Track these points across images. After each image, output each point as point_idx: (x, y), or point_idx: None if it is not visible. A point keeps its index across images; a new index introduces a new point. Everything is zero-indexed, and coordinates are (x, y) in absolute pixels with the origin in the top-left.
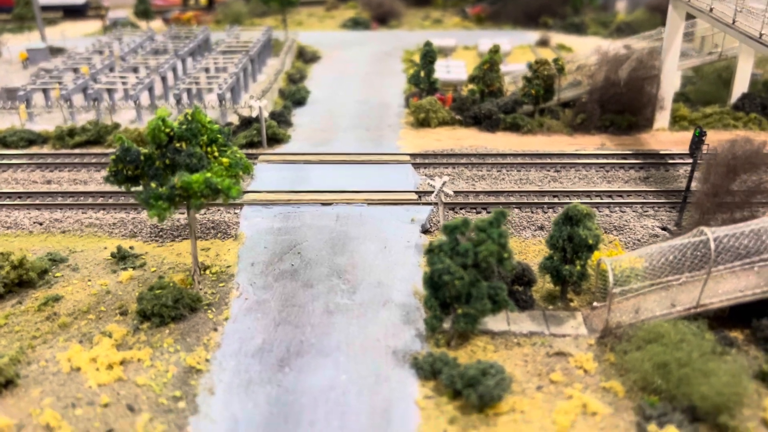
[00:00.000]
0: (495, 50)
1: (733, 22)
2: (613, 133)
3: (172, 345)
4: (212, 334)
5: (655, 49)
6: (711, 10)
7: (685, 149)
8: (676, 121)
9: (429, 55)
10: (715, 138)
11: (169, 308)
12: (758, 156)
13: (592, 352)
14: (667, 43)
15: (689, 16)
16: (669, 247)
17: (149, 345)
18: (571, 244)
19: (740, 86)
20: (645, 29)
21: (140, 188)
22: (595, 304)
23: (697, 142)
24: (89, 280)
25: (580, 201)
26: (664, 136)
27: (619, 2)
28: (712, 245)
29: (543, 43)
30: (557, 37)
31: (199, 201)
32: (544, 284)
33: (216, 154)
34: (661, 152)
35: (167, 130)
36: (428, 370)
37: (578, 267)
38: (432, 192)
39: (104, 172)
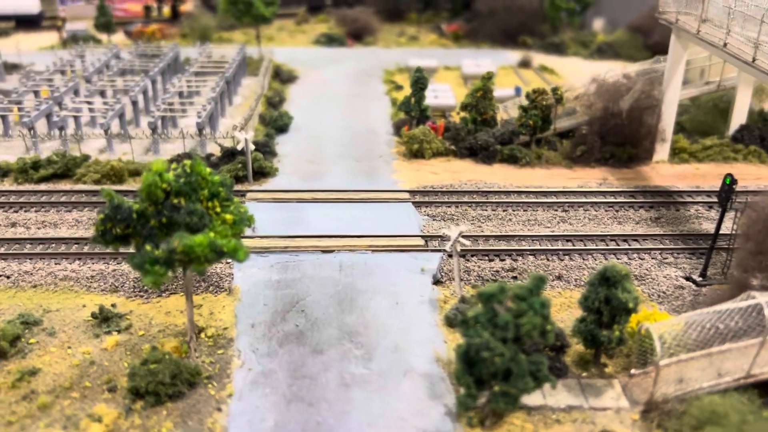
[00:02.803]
0: (488, 77)
1: (754, 60)
2: (613, 165)
3: (172, 430)
4: (216, 415)
5: (655, 78)
6: (725, 45)
7: (691, 185)
8: (676, 153)
9: (420, 82)
10: (716, 171)
11: (166, 386)
12: None
13: (638, 429)
14: (669, 74)
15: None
16: (716, 313)
17: (146, 431)
18: (608, 306)
19: (738, 117)
20: (627, 50)
21: (131, 249)
22: (633, 371)
23: (727, 190)
24: (69, 348)
25: (596, 247)
26: (665, 170)
27: (596, 21)
28: (767, 312)
29: (524, 64)
30: (538, 58)
31: (203, 266)
32: (573, 346)
33: (218, 209)
34: (670, 190)
35: (164, 185)
36: None
37: (617, 332)
38: (442, 239)
39: (76, 214)
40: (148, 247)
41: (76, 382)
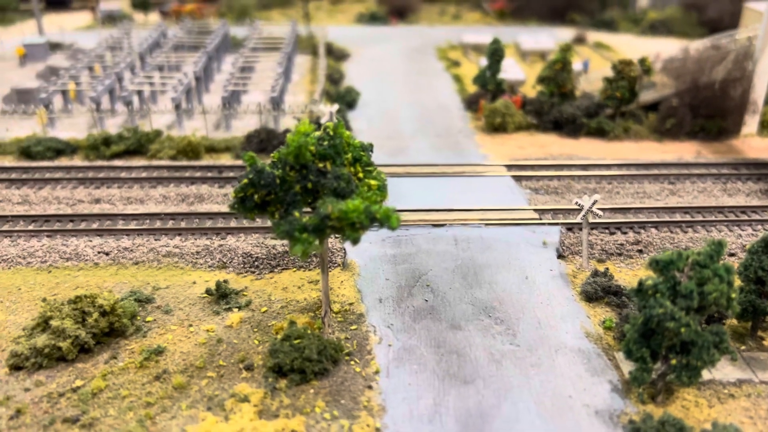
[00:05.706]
0: (566, 48)
1: None
2: (702, 139)
3: (326, 409)
4: (368, 393)
5: (746, 49)
6: None
7: None
8: (764, 127)
9: (497, 54)
10: None
11: (313, 362)
12: None
13: None
14: (763, 42)
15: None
16: None
17: (297, 411)
18: None
19: None
20: (680, 27)
21: (268, 218)
22: None
23: None
24: (190, 326)
25: (716, 218)
26: (756, 143)
27: None
28: None
29: (579, 40)
30: (591, 35)
31: (357, 233)
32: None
33: (361, 175)
34: None
35: (312, 147)
36: None
37: None
38: (576, 210)
39: (162, 189)
40: (296, 213)
41: (208, 361)
